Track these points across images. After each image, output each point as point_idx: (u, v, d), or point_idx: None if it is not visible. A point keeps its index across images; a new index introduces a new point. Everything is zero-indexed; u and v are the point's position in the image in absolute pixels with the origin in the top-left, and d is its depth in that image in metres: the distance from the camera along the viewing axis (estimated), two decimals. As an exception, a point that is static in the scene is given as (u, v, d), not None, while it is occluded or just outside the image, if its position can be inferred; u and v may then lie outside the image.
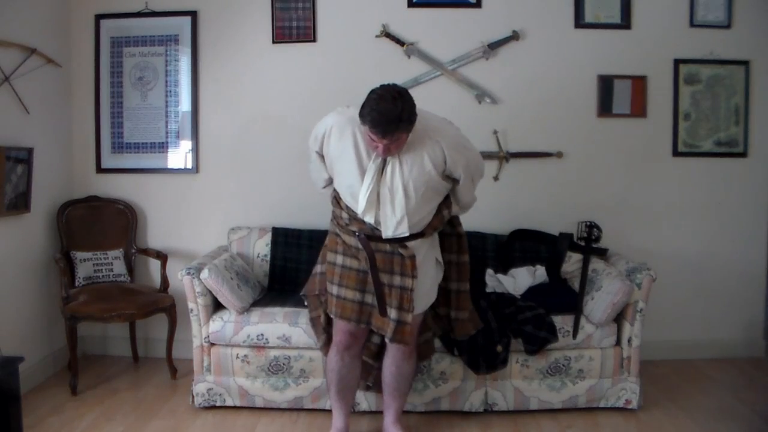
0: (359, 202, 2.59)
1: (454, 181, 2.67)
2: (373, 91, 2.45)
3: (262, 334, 3.23)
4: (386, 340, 2.71)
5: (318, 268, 2.93)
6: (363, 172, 2.56)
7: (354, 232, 2.66)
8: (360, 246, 2.67)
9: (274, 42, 3.98)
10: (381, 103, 2.38)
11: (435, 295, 2.84)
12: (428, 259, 2.75)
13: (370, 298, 2.71)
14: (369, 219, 2.60)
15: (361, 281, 2.70)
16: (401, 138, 2.46)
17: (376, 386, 3.11)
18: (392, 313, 2.64)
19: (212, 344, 3.28)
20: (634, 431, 3.11)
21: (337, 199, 2.75)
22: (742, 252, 4.06)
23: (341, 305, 2.72)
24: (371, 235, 2.64)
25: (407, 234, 2.59)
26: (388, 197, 2.56)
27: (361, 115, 2.43)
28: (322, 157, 2.73)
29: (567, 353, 3.24)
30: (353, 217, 2.66)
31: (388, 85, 2.47)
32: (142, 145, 4.06)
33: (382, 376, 2.94)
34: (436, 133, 2.57)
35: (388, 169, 2.56)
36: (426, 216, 2.66)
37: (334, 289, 2.75)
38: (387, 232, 2.59)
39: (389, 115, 2.36)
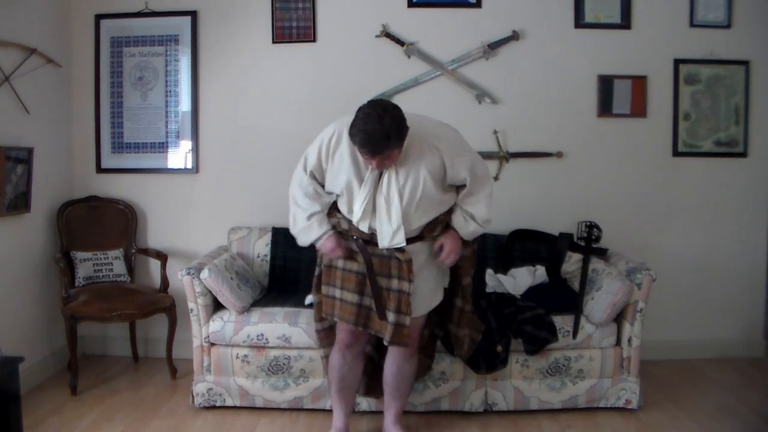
0: (354, 211, 2.58)
1: (458, 188, 2.65)
2: (360, 110, 2.41)
3: (262, 334, 3.23)
4: (384, 343, 2.70)
5: (315, 299, 2.89)
6: (361, 180, 2.55)
7: (353, 237, 2.66)
8: (357, 250, 2.67)
9: (274, 42, 3.98)
10: (367, 123, 2.34)
11: (440, 297, 2.83)
12: (430, 263, 2.74)
13: (367, 301, 2.70)
14: (363, 228, 2.60)
15: (359, 284, 2.69)
16: (393, 154, 2.44)
17: (367, 391, 3.13)
18: (390, 316, 2.63)
19: (212, 344, 3.28)
20: (634, 431, 3.11)
21: (336, 210, 2.73)
22: (742, 252, 4.06)
23: (343, 308, 2.72)
24: (369, 240, 2.63)
25: (404, 245, 2.58)
26: (384, 207, 2.54)
27: (351, 134, 2.41)
28: (314, 179, 2.70)
29: (567, 353, 3.24)
30: (351, 224, 2.65)
31: (375, 102, 2.44)
32: (142, 145, 4.06)
33: (383, 376, 2.94)
34: (434, 139, 2.54)
35: (384, 178, 2.54)
36: (420, 223, 2.64)
37: (336, 293, 2.74)
38: (383, 242, 2.57)
39: (376, 134, 2.34)
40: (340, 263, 2.74)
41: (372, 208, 2.57)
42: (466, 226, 2.69)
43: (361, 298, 2.69)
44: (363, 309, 2.70)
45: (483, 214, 2.69)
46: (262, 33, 3.98)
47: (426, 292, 2.75)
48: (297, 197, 2.74)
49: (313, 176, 2.70)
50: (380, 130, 2.33)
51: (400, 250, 2.61)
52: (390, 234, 2.56)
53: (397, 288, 2.63)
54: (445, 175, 2.57)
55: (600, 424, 3.17)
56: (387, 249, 2.61)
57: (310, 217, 2.69)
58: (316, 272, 2.85)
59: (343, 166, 2.57)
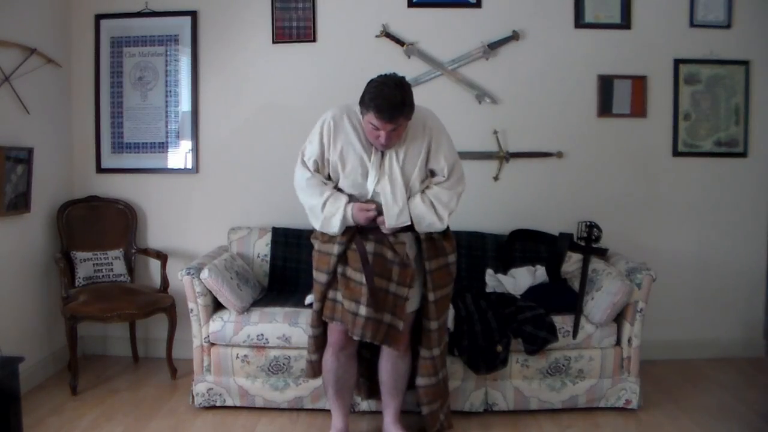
0: (368, 190, 2.61)
1: (432, 173, 2.70)
2: (372, 80, 2.51)
3: (262, 334, 3.23)
4: (376, 342, 2.68)
5: (316, 306, 2.81)
6: (369, 158, 2.60)
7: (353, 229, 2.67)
8: (354, 246, 2.67)
9: (274, 42, 3.98)
10: (384, 89, 2.44)
11: (417, 303, 2.82)
12: (418, 262, 2.78)
13: (363, 311, 2.65)
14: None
15: (359, 292, 2.66)
16: (403, 125, 2.51)
17: (369, 394, 3.14)
18: (386, 317, 2.65)
19: (212, 344, 3.28)
20: (634, 431, 3.11)
21: None
22: (742, 252, 4.06)
23: (339, 310, 2.71)
24: (368, 229, 2.65)
25: (409, 223, 2.62)
26: (389, 187, 2.59)
27: (363, 103, 2.47)
28: (317, 171, 2.69)
29: (567, 353, 3.24)
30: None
31: (384, 74, 2.53)
32: (142, 145, 4.06)
33: (378, 377, 2.94)
34: (427, 119, 2.64)
35: (386, 160, 2.60)
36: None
37: (333, 294, 2.74)
38: (390, 221, 2.61)
39: (393, 100, 2.42)
40: (345, 270, 2.70)
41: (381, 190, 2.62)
42: (419, 207, 2.62)
43: (358, 308, 2.65)
44: (359, 320, 2.65)
45: (444, 204, 2.64)
46: (262, 33, 3.98)
47: (415, 290, 2.76)
48: (306, 195, 2.70)
49: (315, 166, 2.70)
50: (397, 96, 2.43)
51: (399, 242, 2.65)
52: (396, 213, 2.60)
53: (394, 292, 2.65)
54: (429, 160, 2.64)
55: (600, 424, 3.17)
56: (392, 252, 2.65)
57: (325, 203, 2.63)
58: (324, 279, 2.74)
59: (350, 145, 2.61)
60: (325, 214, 2.63)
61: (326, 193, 2.65)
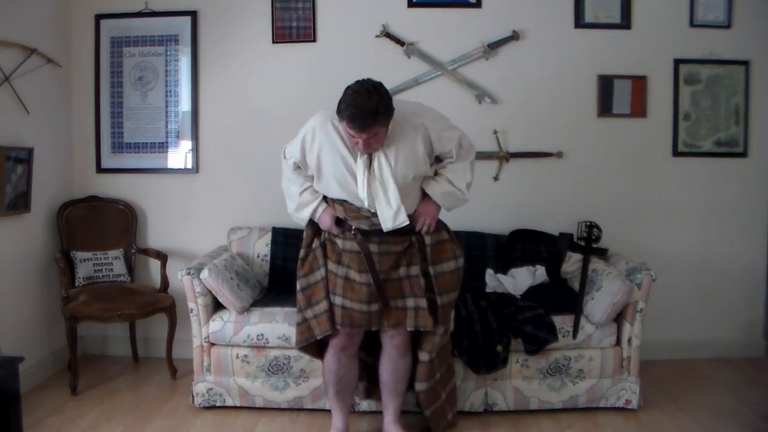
0: (361, 197, 2.60)
1: (439, 160, 2.70)
2: (348, 87, 2.48)
3: (262, 334, 3.23)
4: (408, 329, 2.75)
5: (308, 313, 2.80)
6: (356, 160, 2.59)
7: (351, 228, 2.68)
8: (358, 249, 2.68)
9: (274, 42, 3.99)
10: (357, 97, 2.40)
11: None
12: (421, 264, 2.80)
13: (375, 308, 2.71)
14: (371, 207, 2.63)
15: (365, 293, 2.70)
16: (380, 132, 2.48)
17: (367, 394, 3.17)
18: (410, 302, 2.71)
19: (212, 344, 3.28)
20: (634, 431, 3.11)
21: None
22: (742, 252, 4.06)
23: (349, 315, 2.72)
24: (370, 231, 2.66)
25: (407, 222, 2.62)
26: (380, 190, 2.58)
27: (339, 111, 2.46)
28: (298, 168, 2.77)
29: (567, 353, 3.24)
30: (349, 209, 2.67)
31: (363, 80, 2.50)
32: (142, 145, 4.06)
33: (379, 376, 2.95)
34: (418, 118, 2.61)
35: (375, 163, 2.58)
36: (413, 200, 2.70)
37: (338, 300, 2.74)
38: (386, 224, 2.61)
39: (365, 108, 2.38)
40: (341, 271, 2.74)
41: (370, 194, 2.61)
42: (438, 187, 2.71)
43: (369, 306, 2.71)
44: (374, 314, 2.72)
45: (460, 177, 2.71)
46: (262, 33, 3.98)
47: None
48: (288, 182, 2.84)
49: (295, 166, 2.78)
50: (369, 105, 2.39)
51: (404, 240, 2.68)
52: (392, 216, 2.60)
53: (407, 274, 2.71)
54: (433, 151, 2.63)
55: (600, 424, 3.17)
56: (398, 244, 2.67)
57: (302, 192, 2.78)
58: (302, 284, 2.81)
59: (335, 151, 2.61)
60: (299, 202, 2.78)
61: (308, 184, 2.78)
